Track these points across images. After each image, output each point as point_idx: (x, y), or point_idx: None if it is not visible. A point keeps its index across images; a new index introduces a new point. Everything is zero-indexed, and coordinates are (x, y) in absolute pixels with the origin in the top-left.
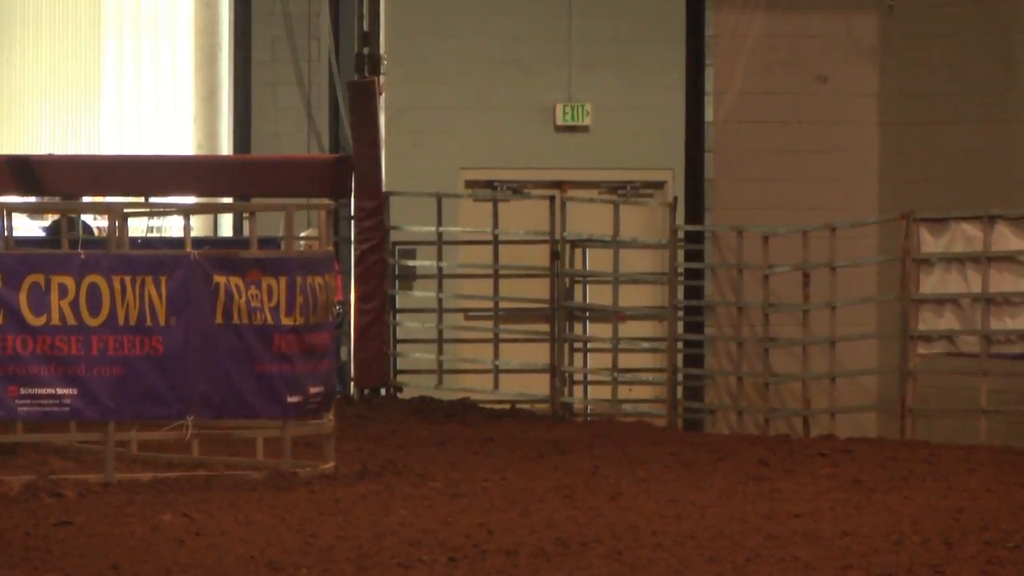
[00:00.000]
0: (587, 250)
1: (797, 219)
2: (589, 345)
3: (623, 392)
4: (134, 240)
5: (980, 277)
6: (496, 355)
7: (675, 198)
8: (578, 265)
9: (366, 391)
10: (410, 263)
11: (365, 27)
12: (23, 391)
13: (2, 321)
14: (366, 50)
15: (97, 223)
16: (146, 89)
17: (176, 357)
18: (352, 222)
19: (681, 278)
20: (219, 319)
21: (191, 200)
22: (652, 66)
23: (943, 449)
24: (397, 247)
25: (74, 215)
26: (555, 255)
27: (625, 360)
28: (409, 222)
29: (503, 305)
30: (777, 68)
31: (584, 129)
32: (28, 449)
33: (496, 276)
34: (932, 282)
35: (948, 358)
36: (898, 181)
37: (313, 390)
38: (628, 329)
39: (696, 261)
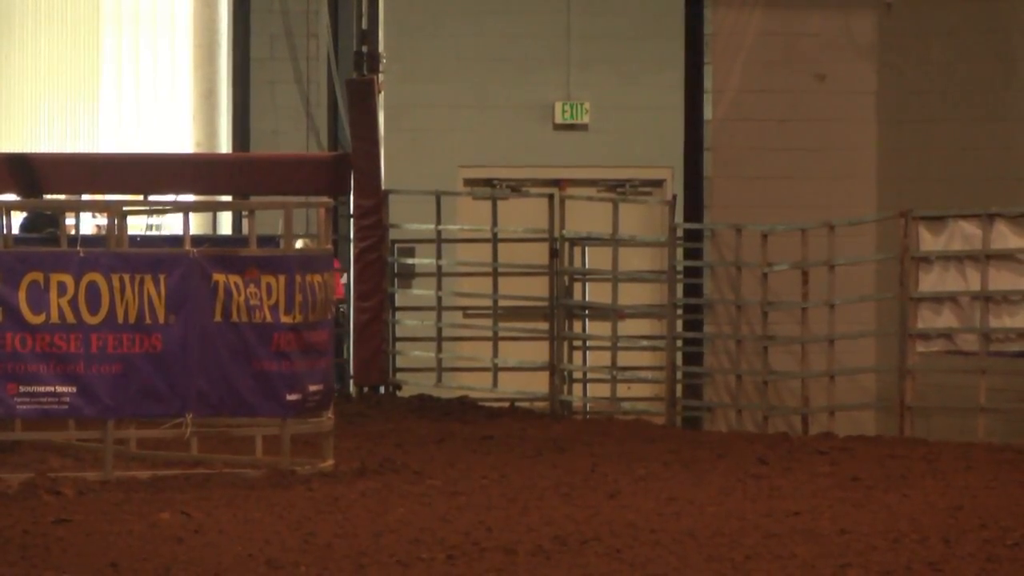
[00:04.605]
0: (586, 248)
1: (796, 217)
2: (588, 343)
3: (622, 390)
4: (133, 238)
5: (979, 275)
6: (495, 353)
7: (674, 196)
8: (577, 263)
9: (365, 389)
10: (409, 261)
11: (364, 25)
12: (22, 389)
13: (1, 319)
14: (365, 48)
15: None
16: (145, 87)
17: (175, 355)
18: (351, 220)
19: (680, 276)
20: (218, 317)
21: (190, 198)
22: (651, 64)
23: (942, 447)
24: (396, 245)
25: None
26: (554, 253)
27: (624, 358)
28: (408, 220)
29: (502, 303)
30: (775, 66)
31: (583, 127)
32: (27, 447)
33: (495, 274)
34: (931, 280)
35: (947, 356)
36: (897, 179)
37: (312, 388)
38: (627, 327)
39: (695, 259)
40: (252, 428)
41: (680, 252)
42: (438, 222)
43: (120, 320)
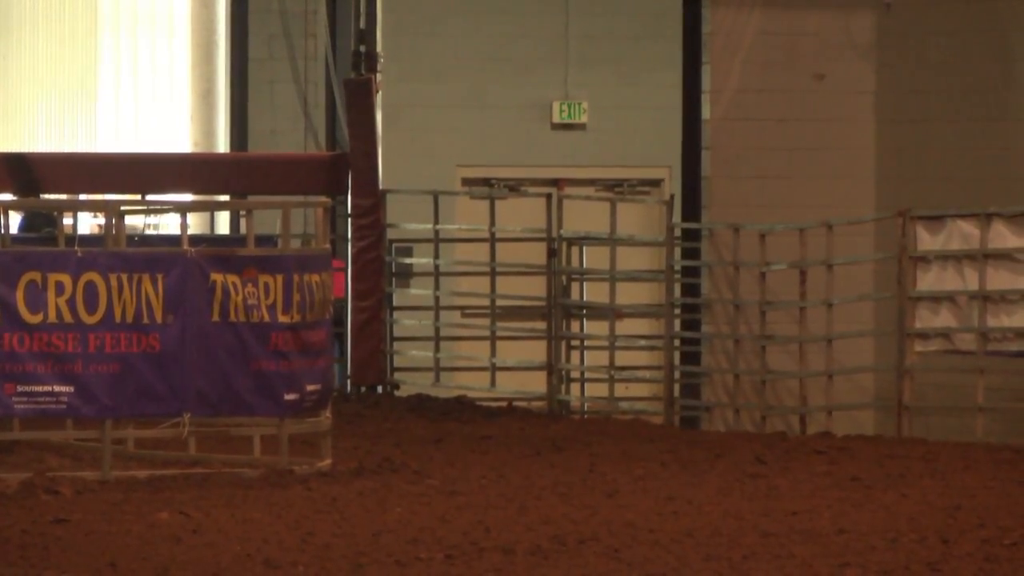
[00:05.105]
0: (584, 247)
1: (794, 217)
2: (586, 343)
3: (620, 390)
4: (131, 238)
5: (977, 275)
6: (493, 353)
7: (672, 196)
8: (575, 263)
9: (363, 389)
10: (407, 261)
11: (362, 25)
12: (20, 388)
13: None
14: (363, 48)
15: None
16: (143, 87)
17: (173, 355)
18: (349, 220)
19: (678, 276)
20: (216, 317)
21: (188, 198)
22: (649, 64)
23: (940, 446)
24: (394, 245)
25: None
26: (552, 253)
27: (622, 358)
28: (406, 220)
29: (500, 303)
30: (774, 66)
31: (581, 127)
32: (25, 447)
33: (493, 274)
34: (929, 280)
35: (945, 355)
36: (895, 179)
37: (310, 388)
38: (625, 327)
39: (693, 259)
40: (250, 428)
41: (678, 252)
42: (436, 222)
43: (118, 320)
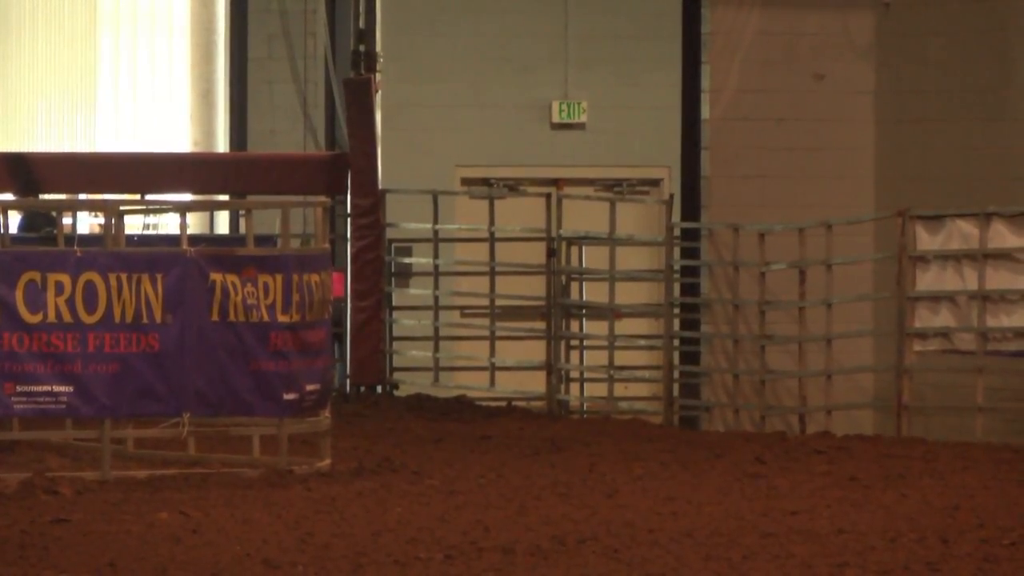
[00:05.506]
0: (583, 247)
1: (793, 216)
2: (585, 342)
3: (619, 389)
4: (130, 238)
5: (976, 274)
6: (492, 352)
7: (671, 195)
8: (574, 262)
9: (362, 388)
10: (406, 260)
11: (361, 24)
12: (19, 388)
13: None
14: (362, 47)
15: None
16: (142, 86)
17: (172, 354)
18: (348, 219)
19: (677, 275)
20: (215, 316)
21: (187, 197)
22: (648, 64)
23: (939, 446)
24: (393, 244)
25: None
26: (551, 252)
27: (621, 357)
28: (405, 219)
29: (499, 302)
30: (773, 66)
31: (580, 126)
32: (24, 447)
33: (492, 273)
34: (928, 279)
35: (944, 355)
36: (894, 178)
37: (309, 387)
38: (624, 326)
39: (692, 258)
40: (249, 428)
41: (677, 251)
42: (435, 221)
43: (117, 319)
